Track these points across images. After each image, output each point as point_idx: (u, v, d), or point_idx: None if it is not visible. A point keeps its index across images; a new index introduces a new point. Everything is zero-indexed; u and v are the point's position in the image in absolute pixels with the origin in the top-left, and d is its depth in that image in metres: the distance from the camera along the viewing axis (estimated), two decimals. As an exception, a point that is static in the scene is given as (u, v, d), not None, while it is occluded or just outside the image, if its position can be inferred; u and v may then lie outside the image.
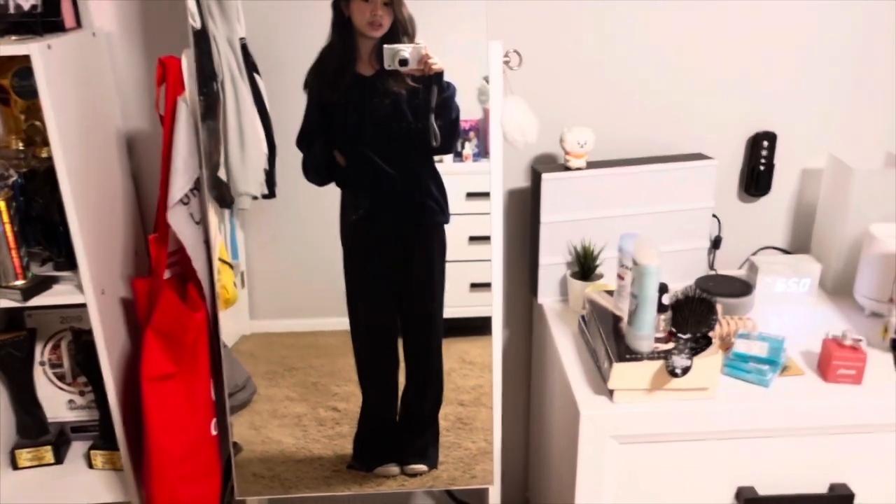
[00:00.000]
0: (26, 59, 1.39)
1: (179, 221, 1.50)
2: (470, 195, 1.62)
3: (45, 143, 1.53)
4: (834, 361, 1.46)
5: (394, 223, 1.63)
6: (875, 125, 1.90)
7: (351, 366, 1.68)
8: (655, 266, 1.38)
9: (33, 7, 1.52)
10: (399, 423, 1.71)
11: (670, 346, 1.44)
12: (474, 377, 1.70)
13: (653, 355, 1.42)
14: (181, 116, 1.48)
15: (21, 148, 1.62)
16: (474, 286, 1.67)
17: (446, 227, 1.63)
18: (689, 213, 1.81)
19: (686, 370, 1.39)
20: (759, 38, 1.81)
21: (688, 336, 1.44)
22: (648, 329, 1.42)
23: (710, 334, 1.48)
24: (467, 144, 1.60)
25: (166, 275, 1.57)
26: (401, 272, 1.66)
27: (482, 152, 1.60)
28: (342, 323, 1.66)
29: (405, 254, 1.65)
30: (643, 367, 1.41)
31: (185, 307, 1.56)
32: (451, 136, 1.57)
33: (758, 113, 1.87)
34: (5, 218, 1.51)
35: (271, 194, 1.58)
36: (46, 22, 1.53)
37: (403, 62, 1.48)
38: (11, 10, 1.51)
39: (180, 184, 1.49)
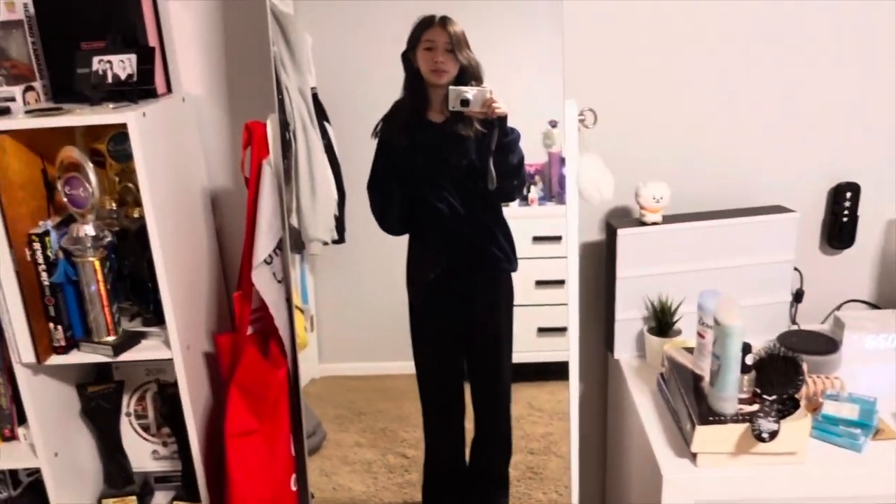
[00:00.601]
0: (122, 125, 1.47)
1: (263, 281, 1.54)
2: (536, 239, 1.63)
3: (137, 203, 1.60)
4: (932, 426, 1.40)
5: (463, 274, 1.64)
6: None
7: (420, 410, 1.68)
8: (739, 326, 1.35)
9: (129, 76, 1.60)
10: (468, 471, 1.70)
11: (755, 407, 1.39)
12: (543, 424, 1.68)
13: (737, 418, 1.38)
14: (266, 179, 1.53)
15: (114, 208, 1.69)
16: (542, 331, 1.66)
17: (513, 273, 1.63)
18: (769, 266, 1.77)
19: (774, 434, 1.34)
20: (839, 87, 1.78)
21: (773, 397, 1.40)
22: (732, 390, 1.38)
23: (797, 395, 1.43)
24: (533, 188, 1.61)
25: (249, 331, 1.61)
26: (468, 321, 1.67)
27: (547, 196, 1.61)
28: (410, 366, 1.67)
29: (472, 303, 1.66)
30: (727, 431, 1.37)
31: (268, 364, 1.59)
32: (516, 182, 1.58)
33: (839, 163, 1.83)
34: (99, 276, 1.58)
35: (341, 239, 1.61)
36: (141, 89, 1.61)
37: (465, 102, 1.51)
38: (109, 80, 1.60)
39: (264, 244, 1.53)
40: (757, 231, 1.74)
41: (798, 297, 1.85)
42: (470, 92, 1.51)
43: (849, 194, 1.83)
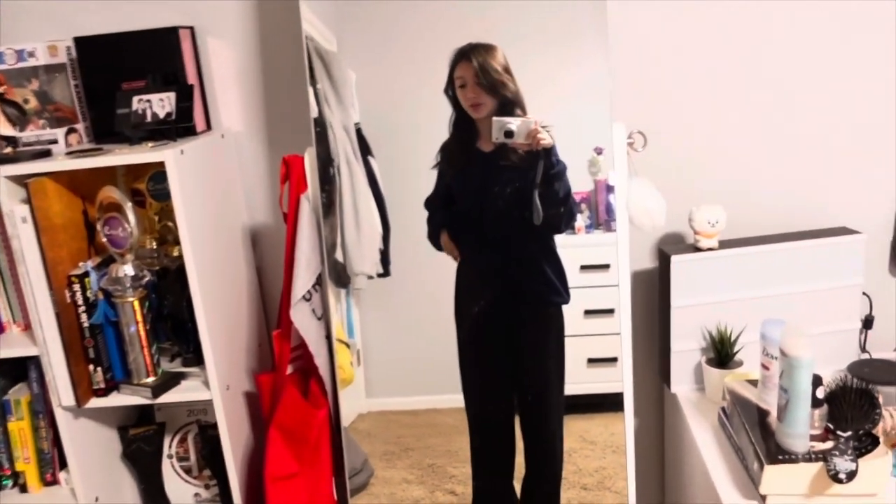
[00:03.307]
0: (161, 163, 1.46)
1: (302, 318, 1.51)
2: (584, 268, 1.59)
3: (177, 241, 1.59)
4: None
5: (510, 308, 1.60)
6: None
7: (469, 446, 1.64)
8: (809, 358, 1.26)
9: (168, 115, 1.60)
10: (519, 509, 1.64)
11: (829, 445, 1.30)
12: (596, 458, 1.62)
13: (810, 456, 1.29)
14: (304, 214, 1.51)
15: (154, 247, 1.68)
16: (592, 361, 1.61)
17: (565, 305, 1.58)
18: (835, 291, 1.67)
19: (852, 475, 1.24)
20: (903, 102, 1.69)
21: (849, 433, 1.30)
22: (803, 427, 1.29)
23: (874, 430, 1.33)
24: (579, 216, 1.58)
25: (289, 370, 1.58)
26: (518, 355, 1.62)
27: (594, 224, 1.58)
28: (458, 400, 1.63)
29: (522, 337, 1.62)
30: (799, 470, 1.28)
31: (308, 404, 1.55)
32: (563, 215, 1.54)
33: (907, 181, 1.73)
34: (139, 317, 1.56)
35: (386, 273, 1.60)
36: (180, 127, 1.61)
37: (509, 134, 1.48)
38: (149, 119, 1.60)
39: (303, 280, 1.50)
40: (821, 255, 1.65)
41: (868, 323, 1.75)
42: (514, 123, 1.49)
43: (918, 213, 1.72)
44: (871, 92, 1.70)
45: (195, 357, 1.65)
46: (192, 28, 1.72)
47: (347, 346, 1.64)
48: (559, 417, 1.62)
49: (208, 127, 1.77)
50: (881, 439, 1.33)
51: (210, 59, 1.77)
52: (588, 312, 1.60)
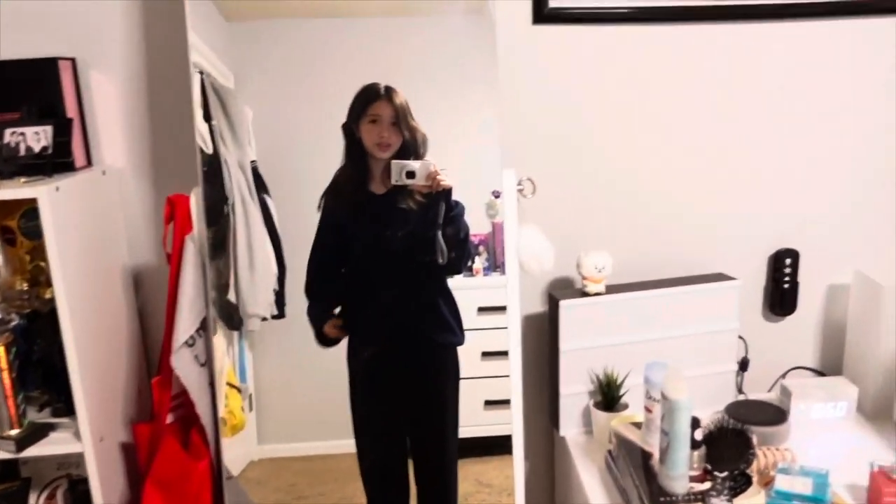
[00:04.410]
0: (34, 199, 1.38)
1: (184, 365, 1.44)
2: (482, 309, 1.60)
3: (50, 283, 1.49)
4: (885, 499, 1.35)
5: (406, 350, 1.59)
6: (897, 239, 1.86)
7: (363, 491, 1.61)
8: (687, 400, 1.30)
9: (44, 149, 1.52)
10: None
11: (706, 485, 1.34)
12: (492, 501, 1.62)
13: (689, 497, 1.32)
14: (188, 255, 1.46)
15: (25, 288, 1.58)
16: (489, 403, 1.62)
17: (460, 346, 1.59)
18: (714, 335, 1.75)
19: (728, 515, 1.28)
20: (774, 156, 1.80)
21: (725, 474, 1.34)
22: (682, 468, 1.33)
23: (748, 470, 1.38)
24: (477, 258, 1.60)
25: (169, 419, 1.51)
26: (412, 398, 1.61)
27: (492, 266, 1.59)
28: (353, 445, 1.61)
29: (416, 380, 1.60)
30: (680, 511, 1.31)
31: (188, 456, 1.48)
32: (461, 257, 1.56)
33: (778, 230, 1.84)
34: (3, 364, 1.45)
35: (281, 315, 1.58)
36: (57, 162, 1.53)
37: (410, 175, 1.49)
38: (22, 153, 1.51)
39: (186, 325, 1.44)
40: (700, 300, 1.72)
41: (744, 365, 1.83)
42: (414, 165, 1.49)
43: (788, 261, 1.83)
44: (747, 145, 1.79)
45: (66, 406, 1.54)
46: (73, 59, 1.64)
47: (239, 390, 1.59)
48: (454, 461, 1.61)
49: (89, 163, 1.69)
50: (754, 478, 1.39)
51: (93, 93, 1.69)
52: (485, 354, 1.61)
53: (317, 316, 1.58)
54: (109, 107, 1.71)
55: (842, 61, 1.76)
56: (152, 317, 1.79)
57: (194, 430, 1.51)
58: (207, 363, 1.51)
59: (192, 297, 1.46)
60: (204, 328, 1.50)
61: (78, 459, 1.64)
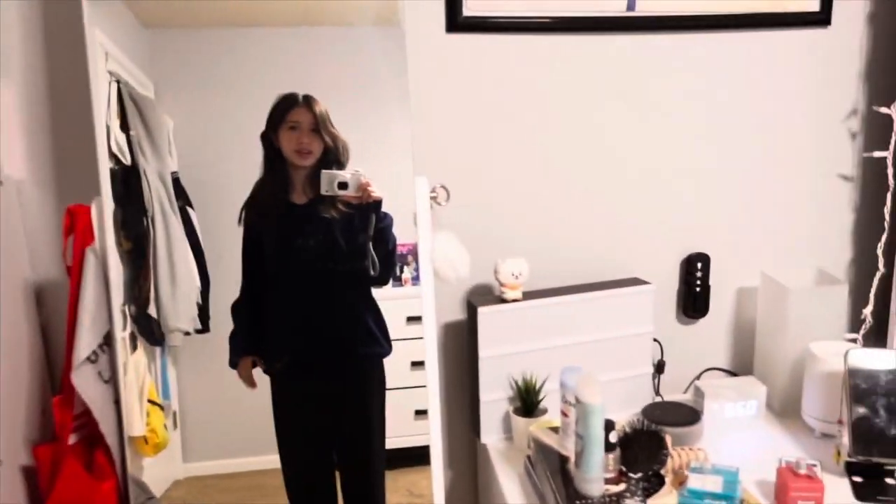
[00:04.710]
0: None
1: (85, 382, 1.38)
2: (410, 319, 1.59)
3: (-59, 299, 1.42)
4: (792, 493, 1.40)
5: (326, 363, 1.57)
6: (803, 242, 1.92)
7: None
8: (599, 404, 1.31)
9: (-67, 159, 1.44)
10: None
11: (621, 487, 1.36)
12: None
13: (604, 500, 1.34)
14: (89, 268, 1.40)
15: (-86, 306, 1.49)
16: (419, 413, 1.60)
17: (386, 357, 1.58)
18: (630, 338, 1.77)
19: (641, 515, 1.30)
20: (684, 160, 1.85)
21: (639, 475, 1.36)
22: (597, 471, 1.34)
23: (662, 471, 1.40)
24: (406, 268, 1.59)
25: (72, 440, 1.43)
26: (336, 412, 1.58)
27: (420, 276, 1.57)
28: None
29: (340, 393, 1.58)
30: (595, 514, 1.32)
31: (91, 478, 1.41)
32: (388, 268, 1.55)
33: (689, 235, 1.89)
34: None
35: (205, 329, 1.54)
36: (-51, 173, 1.45)
37: (343, 186, 1.47)
38: None
39: (87, 341, 1.38)
40: (615, 304, 1.74)
41: (660, 367, 1.86)
42: (346, 176, 1.48)
43: (699, 264, 1.88)
44: (658, 153, 1.84)
45: (-40, 430, 1.46)
46: (-33, 66, 1.57)
47: (161, 407, 1.54)
48: (380, 472, 1.60)
49: (-14, 173, 1.61)
50: (668, 479, 1.41)
51: (-11, 100, 1.62)
52: (415, 364, 1.60)
53: (236, 349, 1.55)
54: (8, 116, 1.63)
55: (744, 71, 1.83)
56: (57, 333, 1.71)
57: (99, 450, 1.44)
58: (112, 380, 1.45)
59: (92, 312, 1.40)
60: (108, 343, 1.44)
61: (-25, 486, 1.56)
